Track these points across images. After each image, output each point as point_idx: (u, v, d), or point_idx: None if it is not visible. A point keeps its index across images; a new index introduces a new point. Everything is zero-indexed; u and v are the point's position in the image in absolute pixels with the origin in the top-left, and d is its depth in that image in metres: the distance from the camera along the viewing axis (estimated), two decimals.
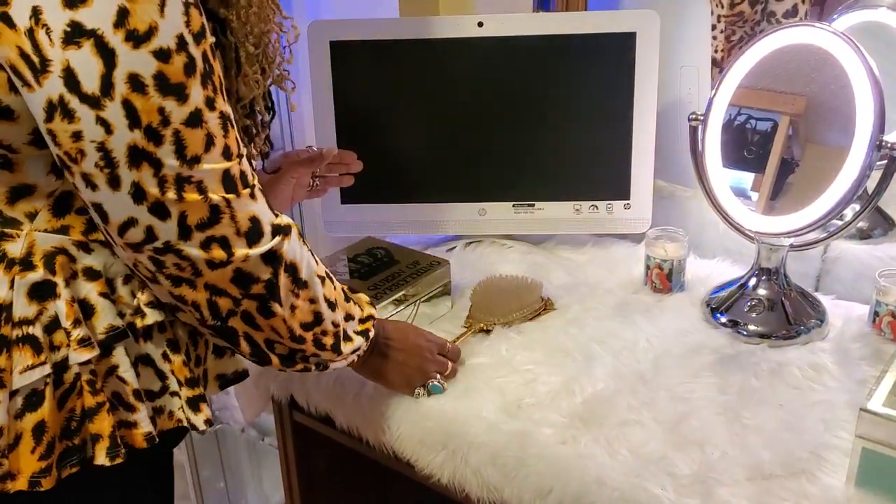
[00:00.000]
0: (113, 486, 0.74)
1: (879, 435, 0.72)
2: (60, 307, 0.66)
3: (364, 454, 1.00)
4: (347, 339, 0.81)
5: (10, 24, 0.56)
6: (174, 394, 0.74)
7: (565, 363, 0.97)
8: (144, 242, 0.64)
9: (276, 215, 0.70)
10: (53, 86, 0.57)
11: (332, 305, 0.77)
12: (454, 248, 1.29)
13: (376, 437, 0.95)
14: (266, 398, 1.14)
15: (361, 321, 0.83)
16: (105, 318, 0.68)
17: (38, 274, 0.65)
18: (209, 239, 0.65)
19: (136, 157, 0.60)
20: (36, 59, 0.57)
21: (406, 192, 1.27)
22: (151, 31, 0.58)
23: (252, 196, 0.67)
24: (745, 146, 1.03)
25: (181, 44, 0.59)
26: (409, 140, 1.27)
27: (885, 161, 0.91)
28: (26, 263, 0.65)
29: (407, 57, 1.22)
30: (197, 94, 0.61)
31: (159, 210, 0.62)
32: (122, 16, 0.56)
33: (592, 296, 1.13)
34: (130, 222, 0.63)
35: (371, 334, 0.84)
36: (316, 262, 0.76)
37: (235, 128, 0.66)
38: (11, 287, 0.65)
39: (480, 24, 1.18)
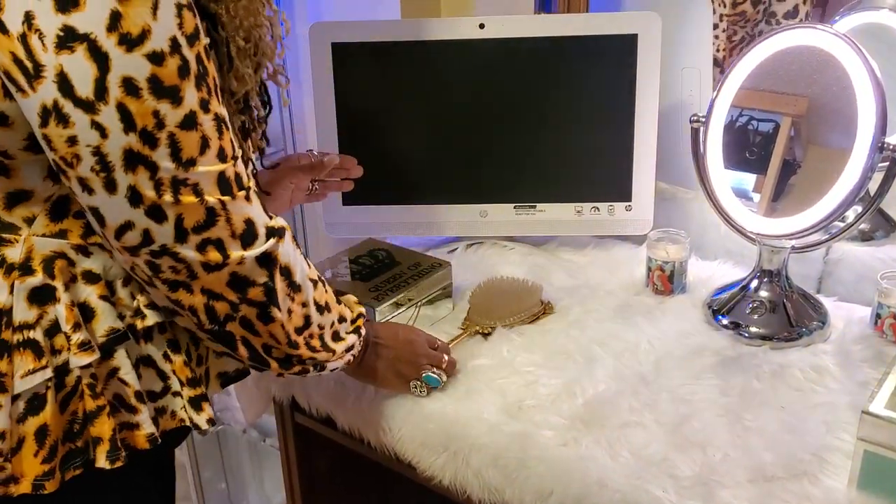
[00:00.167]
0: (116, 488, 0.74)
1: (881, 437, 0.72)
2: (60, 311, 0.66)
3: (365, 456, 1.00)
4: (340, 338, 0.81)
5: (3, 29, 0.56)
6: (176, 394, 0.74)
7: (566, 365, 0.97)
8: (141, 245, 0.64)
9: (270, 217, 0.70)
10: (47, 91, 0.57)
11: (322, 309, 0.78)
12: (455, 249, 1.29)
13: (377, 438, 0.95)
14: (267, 399, 1.14)
15: (352, 321, 0.84)
16: (105, 320, 0.68)
17: (38, 278, 0.65)
18: (205, 241, 0.65)
19: (132, 160, 0.60)
20: (29, 65, 0.57)
21: (407, 194, 1.27)
22: (144, 35, 0.57)
23: (247, 198, 0.67)
24: (747, 147, 1.03)
25: (175, 46, 0.59)
26: (411, 141, 1.27)
27: (887, 163, 0.91)
28: (25, 268, 0.65)
29: (408, 58, 1.22)
30: (191, 97, 0.61)
31: (156, 213, 0.62)
32: (115, 19, 0.56)
33: (594, 297, 1.13)
34: (127, 226, 0.63)
35: (363, 332, 0.85)
36: (308, 265, 0.76)
37: (230, 129, 0.66)
38: (11, 292, 0.65)
39: (482, 26, 1.18)
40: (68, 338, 0.66)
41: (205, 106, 0.62)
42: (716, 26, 1.17)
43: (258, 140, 0.80)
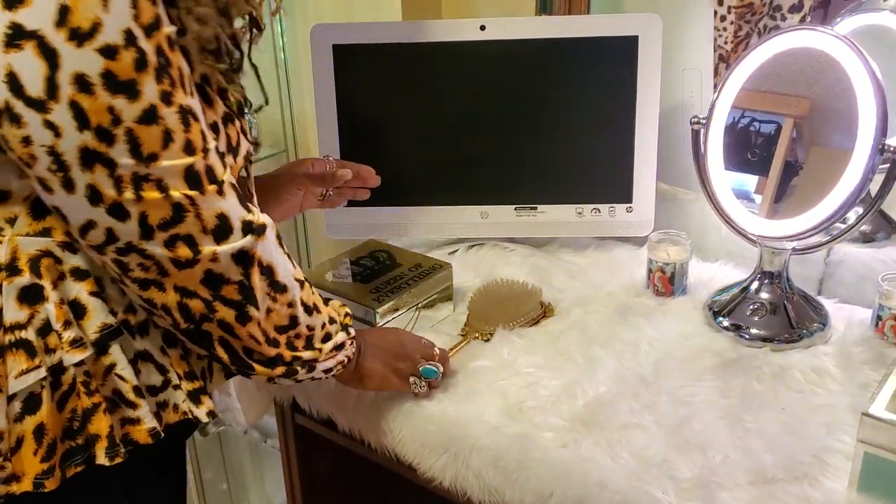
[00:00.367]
0: (118, 484, 0.74)
1: (882, 439, 0.72)
2: (50, 310, 0.65)
3: (366, 457, 1.00)
4: (329, 338, 0.80)
5: None
6: (176, 387, 0.73)
7: (567, 366, 0.97)
8: (106, 244, 0.63)
9: (250, 211, 0.68)
10: None
11: (311, 310, 0.77)
12: (456, 251, 1.29)
13: (378, 439, 0.95)
14: (268, 400, 1.14)
15: (341, 322, 0.83)
16: (97, 316, 0.67)
17: (25, 278, 0.64)
18: (173, 237, 0.63)
19: (89, 158, 0.59)
20: None
21: (408, 195, 1.27)
22: (95, 28, 0.56)
23: (220, 192, 0.65)
24: (749, 148, 1.03)
25: (129, 38, 0.57)
26: (412, 142, 1.27)
27: (888, 165, 0.91)
28: (12, 268, 0.65)
29: (410, 60, 1.22)
30: (150, 90, 0.59)
31: (117, 211, 0.61)
32: (64, 14, 0.55)
33: (594, 299, 1.13)
34: (90, 224, 0.62)
35: (352, 331, 0.84)
36: (293, 265, 0.75)
37: (201, 121, 0.64)
38: (0, 293, 0.64)
39: (483, 28, 1.18)
40: (60, 336, 0.65)
41: (167, 98, 0.60)
42: (723, 18, 1.17)
43: (238, 91, 0.75)
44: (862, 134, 0.91)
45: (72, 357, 0.66)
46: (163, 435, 0.72)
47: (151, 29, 0.58)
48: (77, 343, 0.66)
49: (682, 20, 1.21)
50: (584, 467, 0.80)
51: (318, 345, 0.79)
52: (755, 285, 1.06)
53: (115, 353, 0.69)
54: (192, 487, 1.69)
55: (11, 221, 0.65)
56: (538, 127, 1.23)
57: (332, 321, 0.80)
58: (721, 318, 1.05)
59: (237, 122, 0.74)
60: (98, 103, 0.57)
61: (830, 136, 0.97)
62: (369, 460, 1.00)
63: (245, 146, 0.76)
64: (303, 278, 0.76)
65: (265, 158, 1.59)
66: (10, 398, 0.65)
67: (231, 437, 1.74)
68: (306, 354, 0.77)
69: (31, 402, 0.65)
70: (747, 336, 1.02)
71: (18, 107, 0.57)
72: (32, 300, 0.65)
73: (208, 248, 0.65)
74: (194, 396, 0.74)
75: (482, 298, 1.08)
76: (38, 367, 0.65)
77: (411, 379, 0.91)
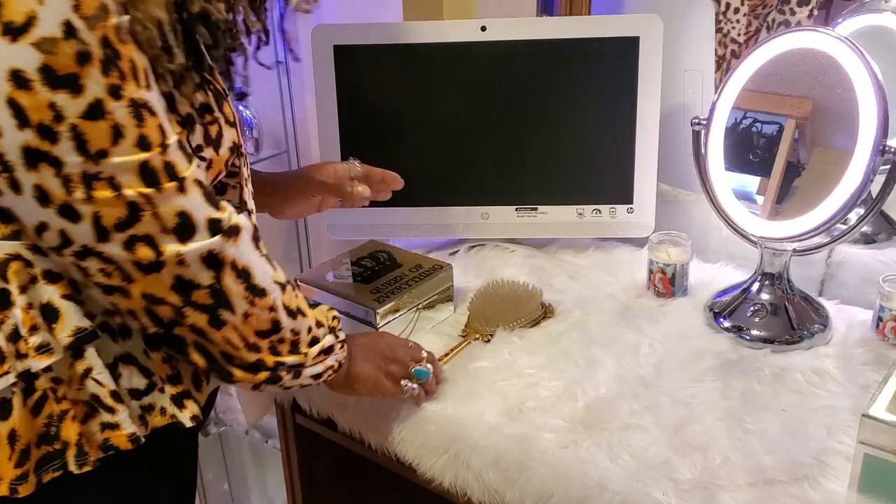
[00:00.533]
0: (99, 493, 0.72)
1: (882, 441, 0.72)
2: (17, 315, 0.63)
3: (366, 457, 1.00)
4: (316, 342, 0.77)
5: None
6: (162, 390, 0.71)
7: (567, 367, 0.97)
8: (62, 246, 0.61)
9: (220, 209, 0.65)
10: None
11: (294, 314, 0.74)
12: (457, 251, 1.29)
13: (378, 440, 0.95)
14: (269, 401, 1.14)
15: (329, 326, 0.80)
16: (71, 320, 0.65)
17: None
18: (132, 238, 0.61)
19: (33, 158, 0.57)
20: None
21: (409, 196, 1.26)
22: (30, 21, 0.54)
23: (181, 189, 0.62)
24: (751, 149, 1.03)
25: (69, 31, 0.55)
26: (413, 143, 1.27)
27: (889, 166, 0.91)
28: None
29: (410, 61, 1.22)
30: (95, 84, 0.56)
31: (68, 212, 0.59)
32: None
33: (595, 300, 1.13)
34: (42, 226, 0.60)
35: (342, 335, 0.81)
36: (274, 267, 0.72)
37: (160, 115, 0.61)
38: None
39: (484, 29, 1.19)
40: (26, 341, 0.64)
41: (115, 92, 0.57)
42: (736, 10, 1.16)
43: (231, 117, 0.73)
44: (863, 135, 0.91)
45: (38, 363, 0.64)
46: (143, 440, 0.70)
47: (96, 19, 0.56)
48: (43, 349, 0.64)
49: (683, 21, 1.21)
50: (584, 468, 0.80)
51: (303, 349, 0.76)
52: (756, 286, 1.06)
53: (91, 358, 0.67)
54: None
55: None
56: (539, 128, 1.23)
57: (318, 325, 0.78)
58: (722, 320, 1.05)
59: (219, 114, 0.72)
60: (38, 100, 0.55)
61: (832, 137, 0.97)
62: (369, 461, 1.00)
63: (229, 137, 0.73)
64: (284, 281, 0.73)
65: (266, 159, 1.59)
66: None
67: (232, 437, 1.74)
68: (291, 360, 0.74)
69: (3, 408, 0.64)
70: (748, 337, 1.01)
71: None
72: (1, 306, 0.63)
73: (171, 247, 0.62)
74: (178, 400, 0.72)
75: (483, 299, 1.08)
76: (6, 373, 0.63)
77: (403, 381, 0.89)
